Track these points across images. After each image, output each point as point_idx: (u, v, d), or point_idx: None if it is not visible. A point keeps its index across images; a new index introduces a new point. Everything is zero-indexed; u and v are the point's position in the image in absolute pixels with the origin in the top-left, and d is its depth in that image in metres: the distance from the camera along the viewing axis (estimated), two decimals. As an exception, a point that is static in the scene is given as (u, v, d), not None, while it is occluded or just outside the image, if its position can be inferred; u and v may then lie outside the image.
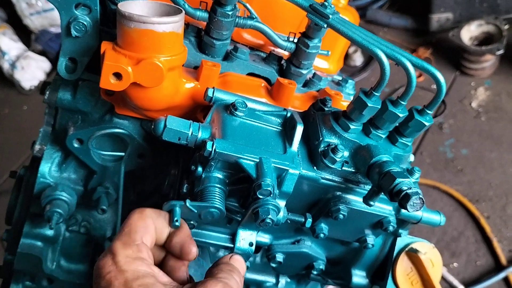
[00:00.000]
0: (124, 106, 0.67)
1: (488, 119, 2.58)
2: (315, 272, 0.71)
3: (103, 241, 0.77)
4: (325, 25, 0.61)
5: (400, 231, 0.69)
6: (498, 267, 2.11)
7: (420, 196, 0.53)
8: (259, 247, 0.71)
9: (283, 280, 0.87)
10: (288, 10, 0.74)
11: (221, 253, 0.84)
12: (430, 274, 0.67)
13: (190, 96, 0.65)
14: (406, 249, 0.69)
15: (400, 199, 0.52)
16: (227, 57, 0.71)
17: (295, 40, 0.71)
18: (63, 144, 0.73)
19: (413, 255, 0.69)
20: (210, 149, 0.55)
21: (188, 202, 0.57)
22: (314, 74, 0.75)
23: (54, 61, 3.73)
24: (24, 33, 3.88)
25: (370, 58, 3.01)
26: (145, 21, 0.54)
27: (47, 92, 0.68)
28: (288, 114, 0.62)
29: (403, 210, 0.66)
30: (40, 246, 0.74)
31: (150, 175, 0.78)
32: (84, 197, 0.75)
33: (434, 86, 2.17)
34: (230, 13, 0.65)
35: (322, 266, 0.71)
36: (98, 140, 0.69)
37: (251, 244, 0.60)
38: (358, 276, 0.72)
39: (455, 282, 1.93)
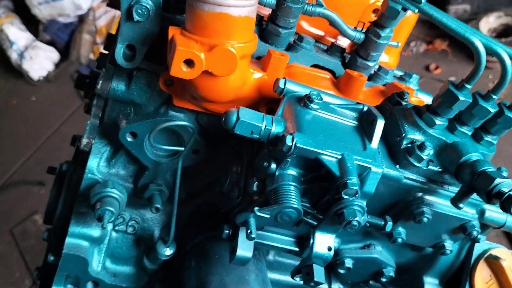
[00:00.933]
0: (183, 97, 0.63)
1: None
2: (384, 280, 0.67)
3: (152, 242, 0.73)
4: (416, 10, 0.56)
5: (479, 236, 0.65)
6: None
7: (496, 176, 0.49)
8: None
9: (335, 287, 0.83)
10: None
11: (280, 257, 0.80)
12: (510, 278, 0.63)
13: (256, 87, 0.60)
14: (485, 255, 0.65)
15: (503, 201, 0.48)
16: (290, 47, 0.67)
17: (363, 30, 0.67)
18: (112, 138, 0.69)
19: (493, 262, 0.64)
20: (290, 144, 0.51)
21: (257, 210, 0.53)
22: (380, 67, 0.70)
23: (62, 51, 3.67)
24: (31, 23, 3.83)
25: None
26: (221, 3, 0.50)
27: (100, 82, 0.63)
28: (365, 108, 0.58)
29: (487, 214, 0.61)
30: (86, 246, 0.69)
31: (202, 173, 0.73)
32: (133, 194, 0.71)
33: (452, 78, 2.12)
34: (300, -2, 0.60)
35: (392, 273, 0.67)
36: (153, 134, 0.65)
37: (329, 249, 0.56)
38: (431, 285, 0.68)
39: None
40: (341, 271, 0.65)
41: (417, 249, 0.67)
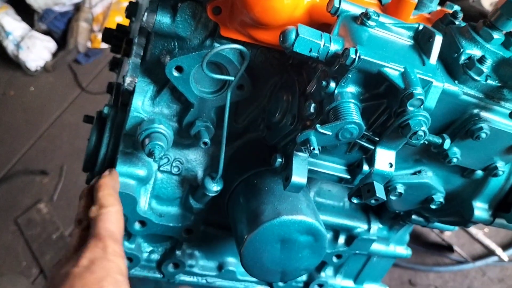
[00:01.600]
0: (230, 26, 0.62)
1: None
2: (433, 206, 0.67)
3: (196, 182, 0.72)
4: None
5: None
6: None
7: None
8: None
9: (375, 226, 0.84)
10: None
11: (320, 198, 0.80)
12: None
13: (308, 12, 0.60)
14: None
15: None
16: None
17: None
18: (156, 75, 0.68)
19: None
20: (354, 56, 0.50)
21: (318, 127, 0.53)
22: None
23: (59, 41, 3.63)
24: (27, 13, 3.78)
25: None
26: None
27: (145, 14, 0.62)
28: (420, 27, 0.57)
29: None
30: (134, 185, 0.68)
31: (244, 111, 0.73)
32: (177, 134, 0.70)
33: None
34: None
35: (441, 199, 0.67)
36: (199, 69, 0.64)
37: (390, 165, 0.55)
38: (480, 209, 0.68)
39: (492, 245, 1.91)
40: (393, 197, 0.64)
41: (467, 174, 0.67)
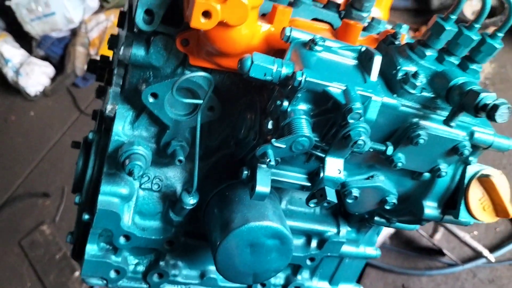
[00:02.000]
0: (198, 56, 0.69)
1: (495, 90, 2.62)
2: (387, 207, 0.74)
3: (175, 197, 0.79)
4: None
5: (470, 158, 0.72)
6: (517, 231, 2.14)
7: (508, 105, 0.56)
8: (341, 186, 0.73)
9: (344, 229, 0.90)
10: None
11: (292, 206, 0.87)
12: (503, 197, 0.70)
13: (265, 39, 0.67)
14: (477, 175, 0.72)
15: (489, 110, 0.55)
16: (291, 4, 0.74)
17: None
18: (134, 102, 0.75)
19: (484, 180, 0.71)
20: (300, 78, 0.57)
21: (273, 141, 0.60)
22: (373, 18, 0.78)
23: (57, 65, 3.72)
24: (25, 40, 3.88)
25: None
26: None
27: (122, 48, 0.70)
28: (363, 48, 0.65)
29: (476, 135, 0.68)
30: (117, 203, 0.75)
31: (216, 131, 0.80)
32: (156, 154, 0.77)
33: None
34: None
35: (394, 200, 0.74)
36: (174, 90, 0.71)
37: (339, 172, 0.62)
38: (430, 208, 0.75)
39: (479, 247, 1.96)
40: (349, 201, 0.71)
41: (416, 176, 0.74)
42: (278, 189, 0.85)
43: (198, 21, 0.58)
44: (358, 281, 2.16)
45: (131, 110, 0.76)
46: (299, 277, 0.93)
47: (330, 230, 0.89)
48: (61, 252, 2.67)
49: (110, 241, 0.79)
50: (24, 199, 3.01)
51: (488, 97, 0.57)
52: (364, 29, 0.77)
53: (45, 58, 3.78)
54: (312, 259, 0.90)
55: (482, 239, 2.14)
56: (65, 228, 2.79)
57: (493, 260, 1.93)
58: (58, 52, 3.67)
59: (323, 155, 0.64)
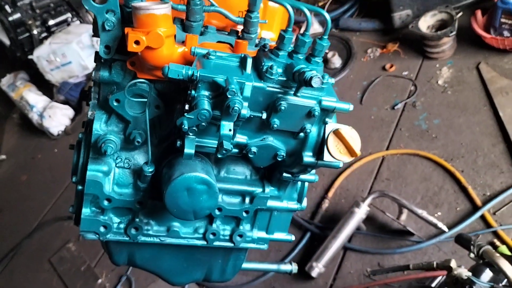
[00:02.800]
0: (142, 71, 1.07)
1: (454, 92, 2.95)
2: (279, 159, 1.08)
3: (140, 171, 1.16)
4: None
5: (326, 120, 1.06)
6: (475, 209, 2.44)
7: (318, 75, 0.90)
8: (242, 147, 1.08)
9: (267, 188, 1.24)
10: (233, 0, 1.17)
11: (228, 174, 1.22)
12: (350, 143, 1.04)
13: (182, 56, 1.05)
14: (333, 130, 1.06)
15: (308, 81, 0.90)
16: (201, 33, 1.12)
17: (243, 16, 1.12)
18: (106, 108, 1.13)
19: (337, 132, 1.04)
20: (197, 74, 0.94)
21: (186, 114, 0.96)
22: (261, 38, 1.15)
23: (76, 107, 4.20)
24: (46, 88, 4.40)
25: (346, 60, 3.42)
26: (149, 8, 0.95)
27: (93, 72, 1.09)
28: (243, 55, 1.02)
29: (323, 103, 1.03)
30: (101, 176, 1.13)
31: (164, 122, 1.17)
32: (125, 142, 1.15)
33: (404, 73, 2.75)
34: (198, 2, 1.06)
35: (283, 154, 1.08)
36: (129, 100, 1.09)
37: (230, 130, 0.97)
38: (308, 157, 1.08)
39: (434, 220, 2.26)
40: (251, 156, 1.06)
41: (295, 136, 1.08)
42: (218, 161, 1.21)
43: (132, 47, 0.96)
44: (339, 265, 2.48)
45: (105, 114, 1.14)
46: (241, 227, 1.27)
47: (257, 189, 1.23)
48: (86, 264, 3.04)
49: (98, 206, 1.15)
50: (52, 223, 3.41)
51: (308, 73, 0.92)
52: (256, 45, 1.15)
53: (65, 102, 4.26)
54: (247, 212, 1.23)
55: (446, 219, 2.42)
56: (88, 244, 3.17)
57: (446, 229, 2.22)
58: (76, 96, 4.15)
59: (221, 122, 1.00)
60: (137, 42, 0.96)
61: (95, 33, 1.05)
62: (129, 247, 1.26)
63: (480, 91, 2.85)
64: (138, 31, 0.97)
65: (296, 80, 0.97)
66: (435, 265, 1.87)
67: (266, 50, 1.04)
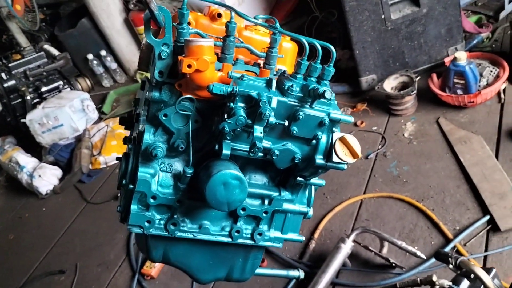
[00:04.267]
0: (187, 91, 1.35)
1: (419, 142, 3.34)
2: (296, 161, 1.35)
3: (180, 175, 1.39)
4: (277, 30, 1.34)
5: (334, 129, 1.36)
6: (447, 241, 2.72)
7: (329, 90, 1.21)
8: (266, 151, 1.35)
9: (283, 193, 1.49)
10: (256, 40, 1.50)
11: (252, 175, 1.47)
12: (354, 147, 1.33)
13: (220, 79, 1.34)
14: (339, 137, 1.35)
15: (321, 94, 1.20)
16: (233, 64, 1.43)
17: (265, 51, 1.44)
18: (154, 122, 1.39)
19: (342, 138, 1.33)
20: (236, 89, 1.23)
21: (227, 120, 1.23)
22: (278, 69, 1.47)
23: (64, 168, 4.35)
24: (34, 151, 4.55)
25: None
26: (199, 41, 1.25)
27: (147, 93, 1.36)
28: (268, 78, 1.32)
29: (331, 115, 1.33)
30: (149, 177, 1.36)
31: (200, 135, 1.43)
32: (168, 150, 1.39)
33: (374, 128, 3.20)
34: (232, 39, 1.38)
35: (299, 156, 1.35)
36: (176, 115, 1.36)
37: (261, 133, 1.23)
38: (319, 159, 1.36)
39: (413, 249, 2.51)
40: (274, 157, 1.31)
41: (309, 143, 1.36)
42: (242, 169, 1.46)
43: (185, 69, 1.24)
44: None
45: (152, 127, 1.39)
46: (260, 226, 1.50)
47: (274, 193, 1.47)
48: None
49: (144, 203, 1.37)
50: (42, 278, 3.43)
51: (321, 89, 1.23)
52: (274, 74, 1.46)
53: (54, 163, 4.40)
54: (266, 212, 1.46)
55: (422, 251, 2.68)
56: (79, 297, 3.19)
57: (424, 257, 2.47)
58: (65, 156, 4.32)
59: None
60: (189, 66, 1.25)
61: (140, 67, 1.35)
62: (164, 244, 1.46)
63: (442, 141, 3.24)
64: (189, 58, 1.26)
65: (311, 95, 1.27)
66: (419, 281, 2.11)
67: (286, 74, 1.35)
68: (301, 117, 1.28)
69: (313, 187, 1.55)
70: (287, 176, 1.48)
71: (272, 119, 1.23)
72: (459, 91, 3.28)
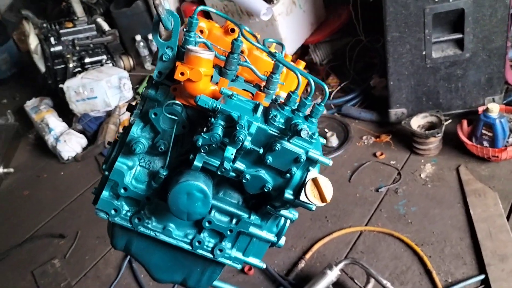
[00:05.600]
0: (180, 97, 1.39)
1: (433, 186, 3.26)
2: (265, 190, 1.33)
3: (157, 174, 1.43)
4: (275, 58, 1.36)
5: (310, 168, 1.35)
6: (436, 292, 2.64)
7: (307, 129, 1.21)
8: (239, 173, 1.37)
9: (253, 216, 1.50)
10: (264, 61, 1.52)
11: (224, 196, 1.49)
12: (324, 191, 1.32)
13: (213, 93, 1.36)
14: (312, 178, 1.34)
15: (298, 131, 1.18)
16: (233, 80, 1.46)
17: (267, 75, 1.46)
18: (145, 118, 1.43)
19: (315, 180, 1.32)
20: (219, 106, 1.26)
21: (202, 134, 1.25)
22: (278, 95, 1.47)
23: (90, 138, 4.51)
24: (66, 117, 4.74)
25: (342, 142, 3.78)
26: (198, 51, 1.29)
27: (144, 89, 1.41)
28: (257, 102, 1.33)
29: (309, 154, 1.33)
30: (125, 168, 1.40)
31: (186, 141, 1.46)
32: (151, 148, 1.44)
33: (392, 162, 3.17)
34: (235, 57, 1.40)
35: (270, 186, 1.33)
36: (165, 116, 1.40)
37: (232, 154, 1.22)
38: (288, 193, 1.32)
39: (384, 281, 2.47)
40: (244, 181, 1.30)
41: (283, 175, 1.35)
42: (219, 184, 1.48)
43: (178, 76, 1.28)
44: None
45: (142, 123, 1.44)
46: (223, 243, 1.51)
47: (244, 215, 1.47)
48: (66, 281, 3.18)
49: (115, 192, 1.42)
50: (42, 238, 3.59)
51: (300, 126, 1.22)
52: (272, 100, 1.48)
53: (81, 131, 4.57)
54: (231, 231, 1.46)
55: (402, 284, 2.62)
56: (73, 263, 3.32)
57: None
58: (93, 128, 4.49)
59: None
60: (182, 73, 1.29)
61: (154, 63, 1.39)
62: (128, 235, 1.51)
63: (457, 190, 3.15)
64: (185, 66, 1.30)
65: (291, 130, 1.27)
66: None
67: (276, 103, 1.35)
68: (277, 148, 1.29)
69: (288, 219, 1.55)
70: (260, 202, 1.49)
71: (247, 144, 1.25)
72: (485, 143, 3.17)
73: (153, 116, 1.40)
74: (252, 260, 1.57)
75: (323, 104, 1.31)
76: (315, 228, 3.13)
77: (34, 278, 3.27)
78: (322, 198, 1.32)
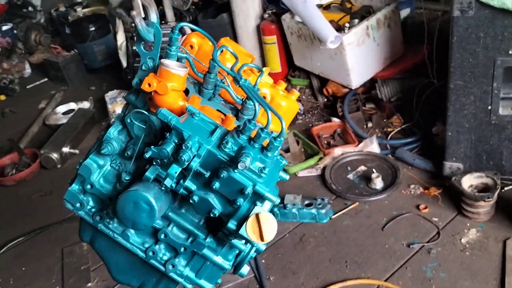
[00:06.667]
0: (153, 106, 1.41)
1: (472, 254, 2.95)
2: (212, 215, 1.27)
3: (122, 177, 1.46)
4: (238, 84, 1.32)
5: (258, 203, 1.28)
6: None
7: (245, 162, 1.16)
8: (189, 192, 1.34)
9: (209, 239, 1.46)
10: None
11: (191, 207, 1.48)
12: (263, 230, 1.25)
13: (181, 109, 1.37)
14: (255, 212, 1.28)
15: (237, 161, 1.16)
16: (209, 99, 1.45)
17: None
18: (123, 122, 1.48)
19: (257, 215, 1.24)
20: (174, 123, 1.25)
21: (152, 147, 1.25)
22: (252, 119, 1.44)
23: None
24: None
25: (387, 186, 3.56)
26: (169, 66, 1.30)
27: (126, 94, 1.46)
28: (217, 125, 1.31)
29: (256, 187, 1.24)
30: (95, 166, 1.45)
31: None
32: (123, 151, 1.47)
33: (434, 219, 2.97)
34: (212, 77, 1.40)
35: (217, 212, 1.29)
36: (140, 123, 1.43)
37: (176, 172, 1.22)
38: (232, 224, 1.28)
39: None
40: (191, 201, 1.27)
41: (231, 204, 1.30)
42: (184, 200, 1.47)
43: (144, 86, 1.31)
44: None
45: (121, 125, 1.48)
46: (177, 260, 1.49)
47: (201, 235, 1.44)
48: (87, 265, 3.34)
49: (83, 187, 1.48)
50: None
51: (243, 158, 1.17)
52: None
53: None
54: (185, 248, 1.45)
55: None
56: (98, 249, 3.47)
57: None
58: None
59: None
60: (149, 85, 1.31)
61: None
62: (93, 230, 1.56)
63: (497, 265, 2.82)
64: (155, 78, 1.32)
65: (237, 161, 1.22)
66: None
67: (238, 130, 1.31)
68: (222, 176, 1.26)
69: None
70: (218, 226, 1.45)
71: (193, 165, 1.23)
72: (542, 219, 2.79)
73: (128, 120, 1.44)
74: (204, 283, 1.53)
75: (281, 139, 1.25)
76: (332, 271, 2.97)
77: (62, 255, 3.48)
78: (261, 237, 1.25)
